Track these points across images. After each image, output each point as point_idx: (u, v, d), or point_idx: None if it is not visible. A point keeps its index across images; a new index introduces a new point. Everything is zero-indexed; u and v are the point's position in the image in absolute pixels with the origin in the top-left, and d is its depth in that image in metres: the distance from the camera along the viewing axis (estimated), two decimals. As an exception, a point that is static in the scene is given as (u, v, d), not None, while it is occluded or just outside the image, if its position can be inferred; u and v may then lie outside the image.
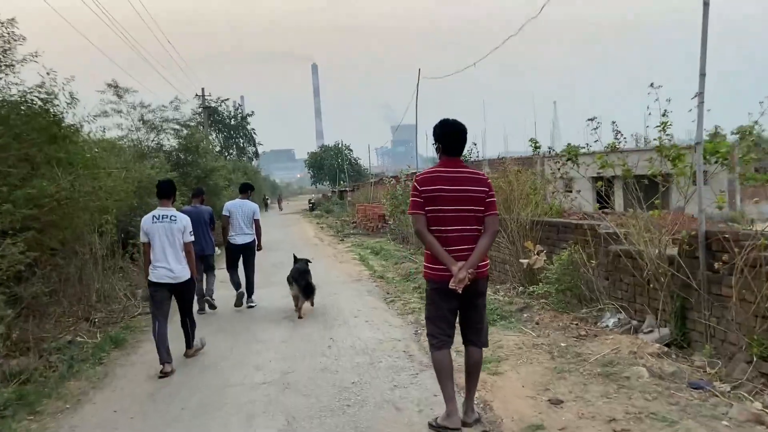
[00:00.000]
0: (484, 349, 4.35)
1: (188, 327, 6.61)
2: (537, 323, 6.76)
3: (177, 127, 19.91)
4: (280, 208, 58.30)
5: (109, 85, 18.15)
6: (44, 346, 6.93)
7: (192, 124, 20.04)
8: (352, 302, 9.43)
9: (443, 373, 4.15)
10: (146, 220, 6.25)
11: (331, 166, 69.76)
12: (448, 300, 4.10)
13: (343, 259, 15.30)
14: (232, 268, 9.58)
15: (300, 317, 8.41)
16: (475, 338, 4.26)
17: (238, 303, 9.47)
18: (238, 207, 9.56)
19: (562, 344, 5.85)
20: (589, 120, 7.25)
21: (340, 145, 72.19)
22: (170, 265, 6.13)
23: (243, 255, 9.60)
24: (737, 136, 5.95)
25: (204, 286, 9.25)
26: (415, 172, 24.45)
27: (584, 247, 7.38)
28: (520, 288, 8.76)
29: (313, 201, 54.50)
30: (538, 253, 8.14)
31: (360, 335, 7.16)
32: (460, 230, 4.10)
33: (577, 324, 6.56)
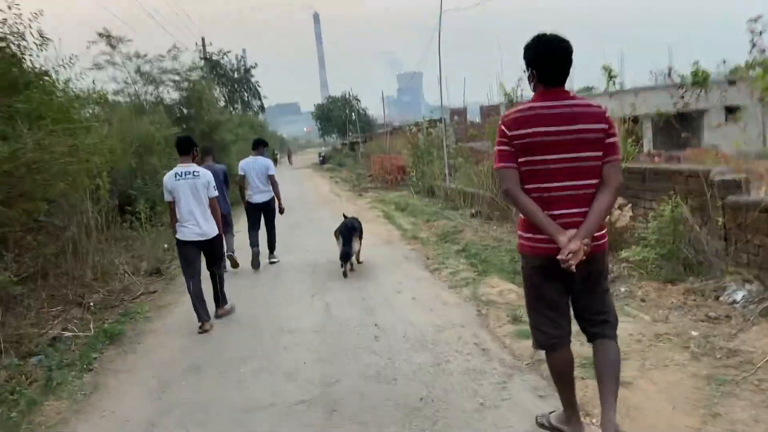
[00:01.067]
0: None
1: (217, 283, 6.42)
2: (643, 300, 5.26)
3: (177, 78, 18.15)
4: (291, 163, 56.61)
5: (101, 35, 16.36)
6: (22, 348, 5.57)
7: (193, 76, 18.25)
8: (390, 272, 7.97)
9: (564, 381, 3.19)
10: (169, 178, 6.05)
11: (339, 117, 67.58)
12: (555, 281, 3.05)
13: (367, 218, 13.76)
14: (252, 229, 9.13)
15: (345, 275, 7.88)
16: (601, 330, 3.14)
17: (255, 263, 8.94)
18: (251, 165, 9.04)
19: (694, 333, 4.37)
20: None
21: (347, 96, 69.79)
22: (198, 222, 6.00)
23: (263, 213, 9.17)
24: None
25: (224, 246, 8.50)
26: (432, 120, 22.63)
27: (686, 199, 5.82)
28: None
29: (323, 154, 52.75)
30: (620, 208, 6.59)
31: (411, 319, 5.72)
32: (569, 187, 2.98)
33: (694, 299, 5.07)
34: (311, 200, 18.46)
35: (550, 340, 3.14)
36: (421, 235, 10.59)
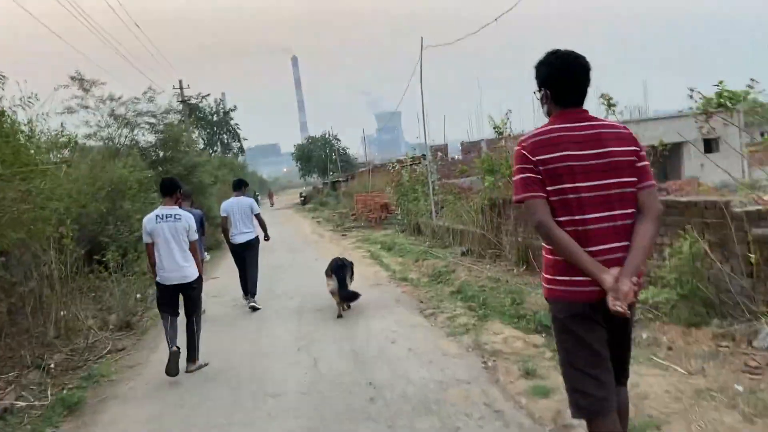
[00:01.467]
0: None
1: (194, 329, 6.13)
2: (670, 348, 4.70)
3: (153, 120, 17.60)
4: (272, 204, 55.98)
5: (73, 78, 15.83)
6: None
7: (169, 118, 17.72)
8: (382, 317, 7.34)
9: None
10: (149, 221, 5.97)
11: (320, 157, 67.38)
12: (597, 331, 2.62)
13: (353, 258, 13.17)
14: (239, 267, 9.15)
15: (340, 315, 7.63)
16: (624, 379, 2.85)
17: (252, 308, 8.77)
18: (234, 205, 9.02)
19: (739, 387, 3.81)
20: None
21: (327, 136, 69.78)
22: (178, 265, 5.89)
23: (246, 253, 9.06)
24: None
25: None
26: (413, 157, 22.30)
27: (702, 233, 5.35)
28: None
29: (304, 194, 52.27)
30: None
31: (410, 375, 5.09)
32: (605, 218, 2.59)
33: (727, 346, 4.53)
34: (294, 241, 17.82)
35: (595, 405, 2.58)
36: (410, 276, 10.00)
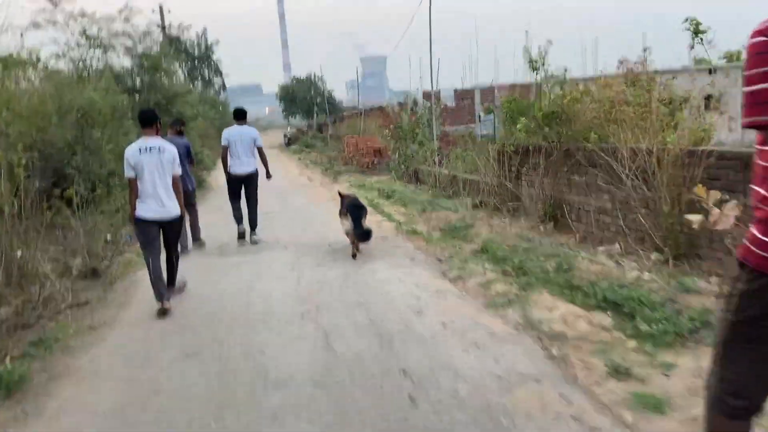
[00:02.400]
0: None
1: (173, 263, 5.98)
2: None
3: (129, 43, 15.71)
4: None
5: (40, -11, 13.86)
6: None
7: (148, 42, 15.83)
8: (398, 279, 6.11)
9: None
10: (132, 152, 5.59)
11: (304, 99, 64.88)
12: None
13: None
14: (234, 200, 8.70)
15: (354, 255, 7.20)
16: None
17: (241, 238, 8.63)
18: (236, 134, 8.54)
19: None
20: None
21: (313, 77, 67.08)
22: (161, 200, 5.56)
23: (245, 185, 8.60)
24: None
25: (188, 228, 8.18)
26: (400, 103, 20.69)
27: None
28: (668, 261, 5.54)
29: (288, 135, 50.28)
30: (720, 204, 4.87)
31: (454, 363, 3.88)
32: None
33: None
34: (282, 185, 16.37)
35: (747, 409, 1.95)
36: (419, 229, 8.75)
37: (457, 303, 5.24)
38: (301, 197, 13.61)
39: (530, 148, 8.44)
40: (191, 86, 27.43)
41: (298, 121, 71.25)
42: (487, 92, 34.99)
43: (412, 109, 15.91)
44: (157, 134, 5.75)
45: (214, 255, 8.03)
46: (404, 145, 15.56)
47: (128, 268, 7.55)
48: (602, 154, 6.51)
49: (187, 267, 6.59)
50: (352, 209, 7.37)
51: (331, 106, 62.63)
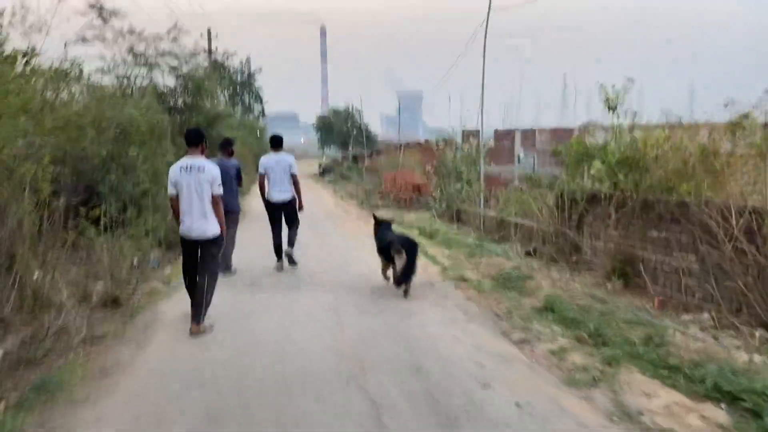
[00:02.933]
0: None
1: (204, 288, 5.65)
2: None
3: (175, 63, 15.46)
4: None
5: (92, 6, 13.71)
6: None
7: (194, 63, 15.57)
8: (455, 339, 5.29)
9: None
10: (174, 171, 5.66)
11: (341, 130, 65.08)
12: None
13: None
14: (274, 227, 8.60)
15: (406, 292, 6.90)
16: None
17: (279, 267, 8.53)
18: (273, 162, 8.47)
19: None
20: None
21: (350, 109, 67.42)
22: (198, 219, 5.55)
23: (284, 212, 8.54)
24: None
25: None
26: (443, 139, 20.01)
27: None
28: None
29: (323, 165, 50.16)
30: None
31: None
32: None
33: None
34: (317, 216, 15.77)
35: None
36: (468, 276, 7.95)
37: (529, 376, 4.40)
38: (337, 231, 12.93)
39: (599, 195, 7.62)
40: (232, 110, 27.21)
41: (333, 152, 71.40)
42: (528, 134, 34.38)
43: (457, 146, 15.21)
44: (202, 154, 5.77)
45: (245, 289, 7.33)
46: (447, 182, 14.84)
47: (152, 297, 6.89)
48: (696, 209, 5.65)
49: (215, 303, 5.89)
50: (409, 246, 6.92)
51: (367, 139, 62.70)
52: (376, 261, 7.71)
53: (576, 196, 8.03)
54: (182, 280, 5.93)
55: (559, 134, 35.82)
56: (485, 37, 12.59)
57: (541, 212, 9.40)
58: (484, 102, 17.75)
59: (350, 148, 56.92)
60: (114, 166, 9.59)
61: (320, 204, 19.17)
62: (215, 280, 5.85)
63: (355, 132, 62.94)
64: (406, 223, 14.07)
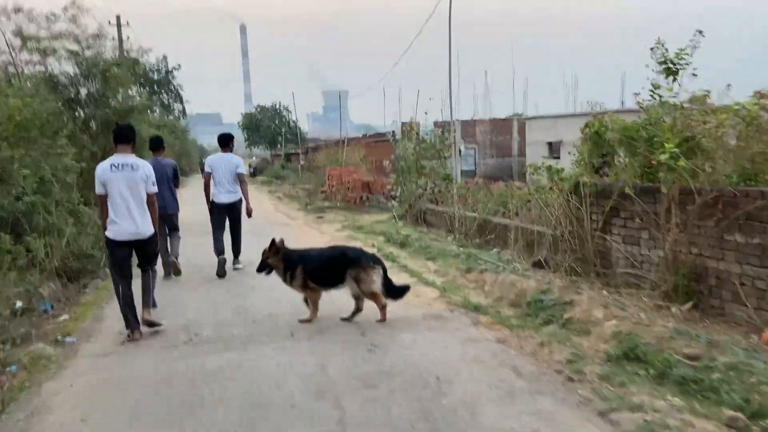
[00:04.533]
0: None
1: (149, 280, 5.49)
2: None
3: (75, 47, 12.64)
4: None
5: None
6: None
7: (98, 47, 12.77)
8: (502, 407, 3.29)
9: None
10: (103, 169, 5.25)
11: (268, 128, 62.07)
12: None
13: None
14: (217, 230, 8.15)
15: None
16: None
17: (221, 271, 7.91)
18: (219, 162, 8.08)
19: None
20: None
21: (277, 106, 64.50)
22: (133, 220, 5.24)
23: (228, 215, 8.16)
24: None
25: (169, 249, 7.91)
26: (378, 133, 17.96)
27: None
28: None
29: (254, 166, 47.17)
30: None
31: None
32: None
33: None
34: (257, 224, 13.38)
35: None
36: (478, 302, 6.02)
37: None
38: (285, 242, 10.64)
39: (651, 188, 5.82)
40: (150, 104, 23.91)
41: (261, 151, 68.18)
42: (468, 125, 33.03)
43: (418, 134, 13.24)
44: (132, 152, 5.42)
45: (180, 345, 5.05)
46: (408, 179, 12.87)
47: (35, 370, 4.49)
48: None
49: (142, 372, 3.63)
50: (376, 258, 5.78)
51: (295, 136, 60.02)
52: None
53: (605, 190, 6.23)
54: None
55: (497, 124, 34.84)
56: (450, 24, 10.60)
57: (547, 212, 7.59)
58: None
59: (282, 146, 54.16)
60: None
61: (258, 209, 16.52)
62: (155, 278, 5.70)
63: (283, 129, 60.15)
64: (366, 228, 12.00)
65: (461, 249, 8.81)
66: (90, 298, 6.80)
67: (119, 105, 11.70)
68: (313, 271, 5.57)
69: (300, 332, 5.23)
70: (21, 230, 6.69)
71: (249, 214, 8.32)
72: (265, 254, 5.77)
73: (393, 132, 17.46)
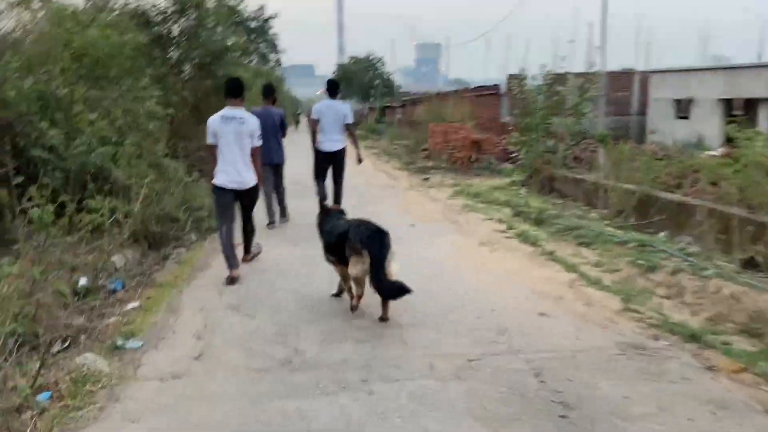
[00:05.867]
0: None
1: (249, 232, 5.89)
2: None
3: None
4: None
5: None
6: None
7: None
8: None
9: None
10: (214, 121, 5.46)
11: (362, 80, 60.38)
12: None
13: (490, 240, 7.05)
14: (319, 177, 7.91)
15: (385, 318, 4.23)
16: None
17: None
18: (327, 109, 7.68)
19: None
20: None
21: (371, 58, 62.52)
22: (238, 170, 5.43)
23: (333, 164, 7.84)
24: None
25: (274, 201, 7.75)
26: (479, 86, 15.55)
27: None
28: None
29: (348, 119, 45.85)
30: None
31: None
32: None
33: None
34: (359, 185, 11.90)
35: None
36: (688, 323, 4.14)
37: None
38: (392, 209, 9.05)
39: None
40: (246, 42, 22.46)
41: (354, 104, 66.96)
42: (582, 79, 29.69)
43: (548, 88, 11.09)
44: (240, 105, 5.54)
45: (273, 369, 3.56)
46: (534, 138, 10.82)
47: (73, 410, 3.11)
48: None
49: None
50: (369, 240, 4.25)
51: (391, 89, 58.06)
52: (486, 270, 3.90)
53: None
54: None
55: (615, 78, 31.09)
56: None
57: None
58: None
59: (378, 99, 52.49)
60: (52, 115, 5.79)
61: (356, 167, 14.96)
62: (254, 226, 5.91)
63: (377, 82, 58.31)
64: (483, 194, 10.15)
65: (617, 231, 6.85)
66: (168, 277, 5.49)
67: (213, 44, 10.32)
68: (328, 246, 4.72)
69: (441, 362, 3.58)
70: (82, 196, 5.45)
71: (360, 161, 8.37)
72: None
73: (497, 85, 15.25)
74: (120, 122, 6.21)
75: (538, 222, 7.71)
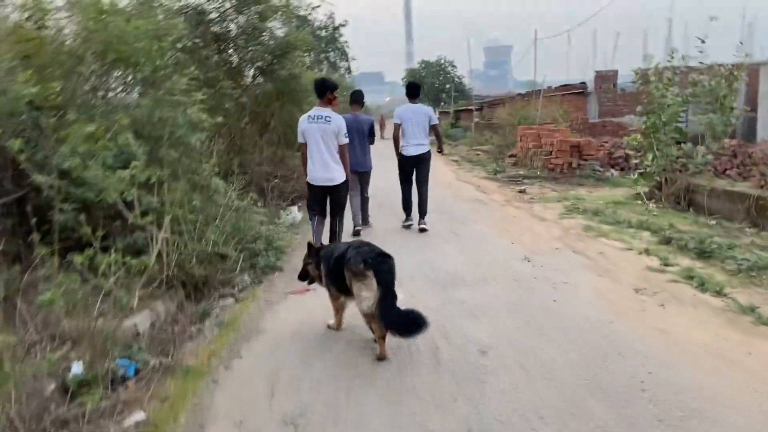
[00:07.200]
0: None
1: (336, 229, 5.95)
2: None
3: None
4: (382, 136, 46.18)
5: None
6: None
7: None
8: None
9: None
10: (302, 120, 5.76)
11: (433, 84, 58.59)
12: None
13: (648, 285, 5.05)
14: (406, 184, 7.71)
15: (382, 357, 3.59)
16: None
17: (408, 225, 7.63)
18: (410, 112, 7.49)
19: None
20: None
21: (442, 61, 60.71)
22: (326, 167, 5.68)
23: (416, 168, 7.55)
24: None
25: (359, 209, 7.44)
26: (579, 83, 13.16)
27: None
28: None
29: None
30: None
31: None
32: None
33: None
34: (443, 198, 10.13)
35: None
36: None
37: None
38: (489, 231, 7.19)
39: None
40: (312, 42, 20.92)
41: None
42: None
43: (670, 80, 8.88)
44: (329, 105, 5.72)
45: None
46: (664, 143, 8.64)
47: None
48: None
49: None
50: (377, 264, 3.53)
51: (462, 93, 55.93)
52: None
53: None
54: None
55: (717, 71, 27.80)
56: None
57: None
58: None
59: (444, 103, 50.51)
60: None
61: (436, 179, 13.01)
62: (342, 219, 5.97)
63: (448, 86, 56.37)
64: (601, 212, 8.09)
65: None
66: (202, 352, 3.84)
67: (276, 40, 8.78)
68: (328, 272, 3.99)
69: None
70: (100, 232, 3.92)
71: (440, 151, 8.18)
72: (306, 260, 4.33)
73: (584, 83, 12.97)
74: (148, 132, 4.71)
75: (702, 254, 5.62)
